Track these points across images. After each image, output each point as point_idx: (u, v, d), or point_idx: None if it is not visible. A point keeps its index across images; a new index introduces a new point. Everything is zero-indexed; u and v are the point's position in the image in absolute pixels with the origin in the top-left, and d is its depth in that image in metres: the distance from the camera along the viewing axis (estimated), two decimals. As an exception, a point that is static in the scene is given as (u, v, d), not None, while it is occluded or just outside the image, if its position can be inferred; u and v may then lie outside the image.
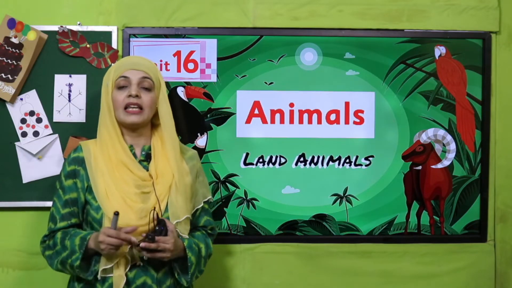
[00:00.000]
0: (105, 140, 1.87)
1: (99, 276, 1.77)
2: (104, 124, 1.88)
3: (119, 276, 1.77)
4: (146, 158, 1.90)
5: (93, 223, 1.82)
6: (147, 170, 1.87)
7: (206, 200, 1.99)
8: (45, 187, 2.27)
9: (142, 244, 1.70)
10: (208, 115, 2.37)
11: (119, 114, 1.85)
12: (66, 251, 1.78)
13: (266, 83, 2.38)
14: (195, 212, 1.96)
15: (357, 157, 2.41)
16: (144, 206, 1.80)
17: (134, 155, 1.89)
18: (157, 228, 1.75)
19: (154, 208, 1.77)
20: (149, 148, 1.91)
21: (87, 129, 2.27)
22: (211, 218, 2.04)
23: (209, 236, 2.01)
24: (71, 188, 1.86)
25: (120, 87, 1.86)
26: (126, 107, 1.84)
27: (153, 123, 1.94)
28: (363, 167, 2.41)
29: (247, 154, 2.38)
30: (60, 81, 2.28)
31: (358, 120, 2.40)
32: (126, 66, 1.87)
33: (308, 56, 2.39)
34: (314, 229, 2.42)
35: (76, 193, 1.85)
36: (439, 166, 2.43)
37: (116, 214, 1.69)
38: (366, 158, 2.41)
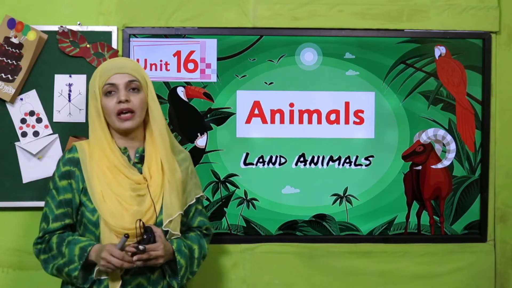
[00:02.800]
0: (96, 145, 1.86)
1: (94, 277, 1.77)
2: (94, 129, 1.88)
3: (115, 278, 1.77)
4: (140, 160, 1.90)
5: (88, 225, 1.82)
6: (141, 172, 1.87)
7: (198, 196, 1.99)
8: (45, 187, 2.24)
9: (135, 258, 1.71)
10: (208, 115, 2.37)
11: (113, 121, 1.85)
12: (64, 258, 1.78)
13: (266, 83, 2.38)
14: (188, 212, 1.96)
15: (357, 157, 2.41)
16: (139, 208, 1.79)
17: (128, 157, 1.89)
18: (144, 236, 1.75)
19: (140, 220, 1.76)
20: (143, 151, 1.91)
21: (87, 129, 2.25)
22: (206, 219, 2.04)
23: (204, 236, 2.01)
24: (65, 188, 1.85)
25: (108, 93, 1.84)
26: (118, 114, 1.83)
27: (146, 120, 1.93)
28: (363, 167, 2.41)
29: (247, 154, 2.38)
30: (60, 81, 2.28)
31: (358, 120, 2.40)
32: (111, 71, 1.85)
33: (308, 56, 2.39)
34: (314, 229, 2.42)
35: (71, 194, 1.85)
36: (439, 166, 2.43)
37: (126, 236, 1.69)
38: (366, 158, 2.41)
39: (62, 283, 1.91)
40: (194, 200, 1.98)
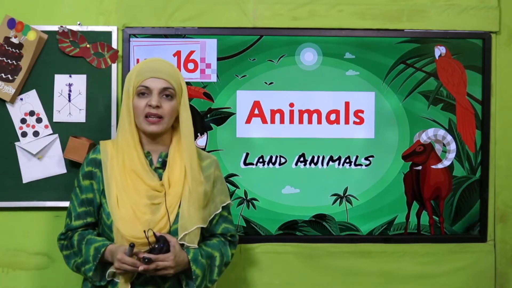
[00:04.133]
0: (122, 145, 1.84)
1: (106, 276, 1.78)
2: (123, 128, 1.85)
3: (124, 283, 1.76)
4: (162, 165, 1.87)
5: (104, 227, 1.83)
6: (162, 178, 1.84)
7: (224, 204, 1.94)
8: (45, 187, 2.27)
9: (140, 268, 1.68)
10: (208, 115, 2.37)
11: (140, 122, 1.83)
12: (81, 257, 1.80)
13: (266, 83, 2.38)
14: (212, 219, 1.91)
15: (357, 157, 2.41)
16: (152, 218, 1.77)
17: (151, 161, 1.87)
18: (156, 246, 1.72)
19: (147, 230, 1.73)
20: (166, 155, 1.88)
21: (87, 129, 2.27)
22: (230, 225, 1.98)
23: (229, 244, 1.96)
24: (87, 188, 1.86)
25: (141, 94, 1.82)
26: (146, 116, 1.81)
27: (173, 126, 1.90)
28: (363, 167, 2.41)
29: (247, 154, 2.38)
30: (60, 81, 2.28)
31: (358, 120, 2.40)
32: (148, 73, 1.82)
33: (308, 56, 2.39)
34: (314, 229, 2.42)
35: (92, 194, 1.86)
36: (439, 166, 2.43)
37: (132, 246, 1.69)
38: (366, 158, 2.41)
39: (84, 279, 1.90)
40: (220, 210, 1.93)
